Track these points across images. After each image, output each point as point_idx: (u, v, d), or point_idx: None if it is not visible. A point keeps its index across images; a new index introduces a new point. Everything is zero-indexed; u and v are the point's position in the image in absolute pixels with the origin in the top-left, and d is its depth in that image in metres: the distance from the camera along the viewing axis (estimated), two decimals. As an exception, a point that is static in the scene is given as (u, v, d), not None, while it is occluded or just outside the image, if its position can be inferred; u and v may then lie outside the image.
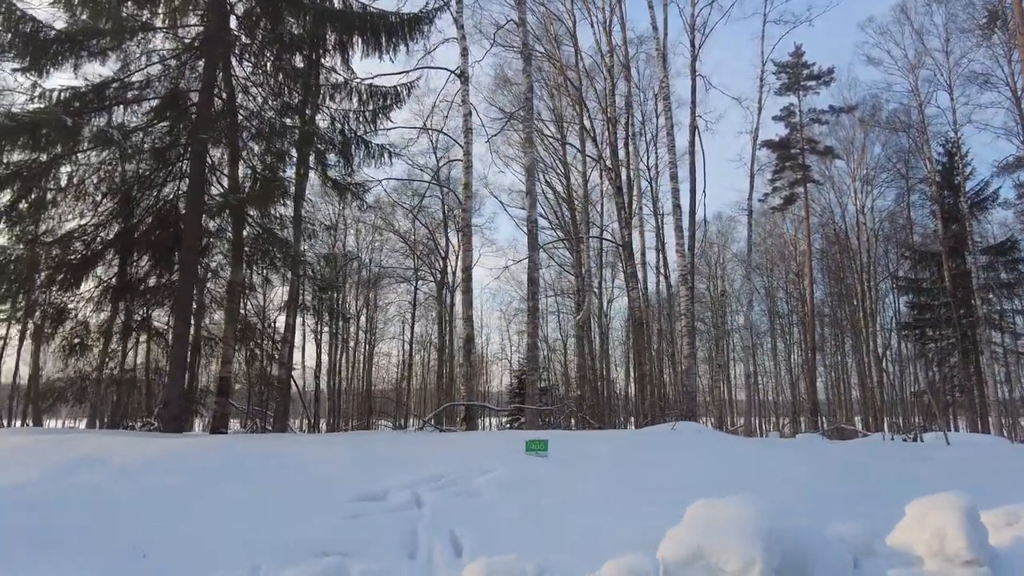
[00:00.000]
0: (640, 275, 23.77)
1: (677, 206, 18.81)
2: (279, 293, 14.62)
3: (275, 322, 13.98)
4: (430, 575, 4.52)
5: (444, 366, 32.09)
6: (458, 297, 35.60)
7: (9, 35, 9.48)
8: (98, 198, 11.41)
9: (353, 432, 14.61)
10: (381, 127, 12.46)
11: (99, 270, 12.17)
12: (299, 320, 17.75)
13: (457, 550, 4.81)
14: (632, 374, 28.99)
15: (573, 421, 17.76)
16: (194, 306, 11.64)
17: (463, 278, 15.01)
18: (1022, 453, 11.67)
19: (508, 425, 13.78)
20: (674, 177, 19.08)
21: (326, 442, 7.21)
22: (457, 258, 33.24)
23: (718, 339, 37.11)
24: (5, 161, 9.45)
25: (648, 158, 29.27)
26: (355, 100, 12.00)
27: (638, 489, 6.05)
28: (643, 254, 25.01)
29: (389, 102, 12.13)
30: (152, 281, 13.06)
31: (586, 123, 25.87)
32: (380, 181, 13.94)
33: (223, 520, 4.71)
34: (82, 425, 13.37)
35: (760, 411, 35.98)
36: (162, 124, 12.10)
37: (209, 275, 12.73)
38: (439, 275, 33.47)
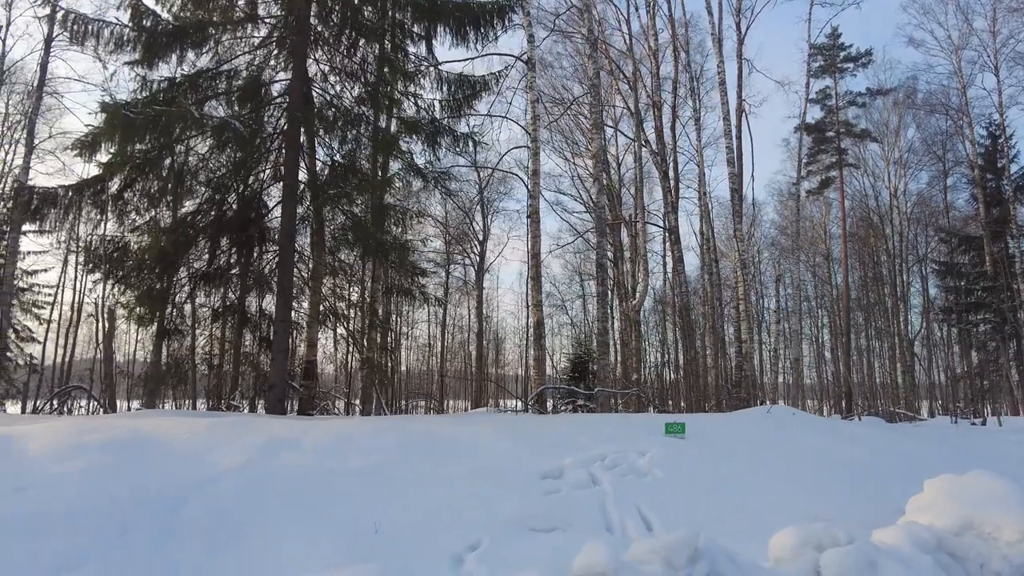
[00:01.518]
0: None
1: (736, 190, 18.91)
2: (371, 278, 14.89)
3: (360, 306, 14.18)
4: (626, 544, 4.78)
5: (483, 350, 32.45)
6: (487, 282, 35.97)
7: (131, 30, 9.70)
8: (195, 186, 11.66)
9: (463, 414, 14.82)
10: (464, 114, 12.53)
11: (191, 256, 12.42)
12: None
13: (648, 525, 5.06)
14: (669, 358, 29.21)
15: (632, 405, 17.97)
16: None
17: (532, 264, 15.18)
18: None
19: (565, 408, 13.98)
20: (731, 163, 19.15)
21: (471, 423, 7.47)
22: (485, 243, 33.59)
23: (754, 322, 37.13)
24: (117, 151, 9.69)
25: (691, 142, 29.14)
26: (444, 89, 12.12)
27: (789, 468, 6.28)
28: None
29: (478, 90, 12.24)
30: (236, 268, 13.30)
31: (630, 105, 25.78)
32: (448, 168, 13.89)
33: (429, 497, 4.98)
34: (168, 407, 13.71)
35: (800, 394, 36.04)
36: (248, 113, 12.27)
37: (297, 260, 12.99)
38: (477, 259, 33.75)
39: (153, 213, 11.44)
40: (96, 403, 12.01)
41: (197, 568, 3.96)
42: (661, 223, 25.03)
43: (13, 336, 25.71)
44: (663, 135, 25.00)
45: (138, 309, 11.26)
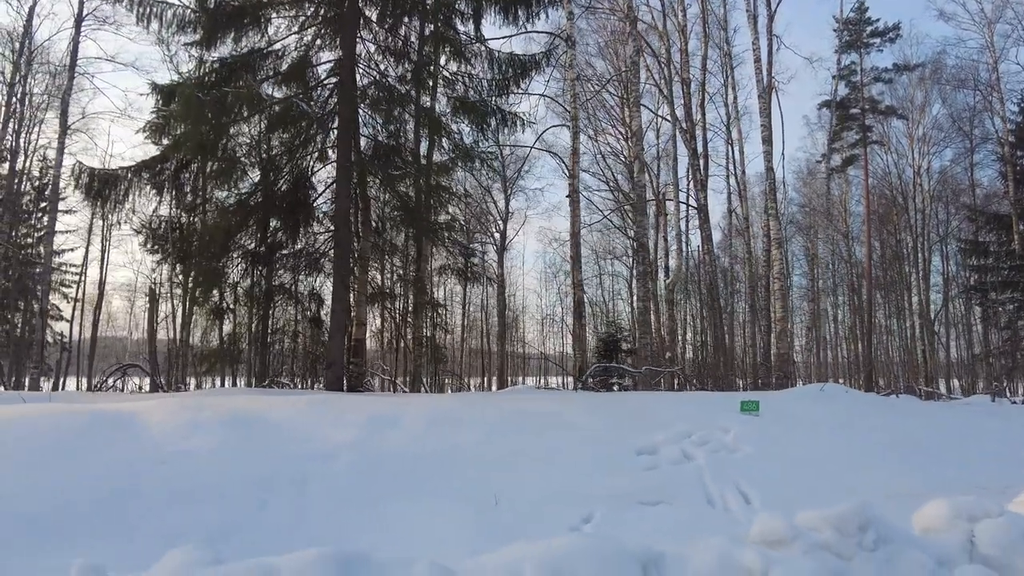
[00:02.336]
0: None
1: (770, 169, 18.81)
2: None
3: (408, 286, 14.35)
4: (731, 520, 4.94)
5: (505, 328, 32.66)
6: (507, 261, 36.01)
7: (193, 11, 9.79)
8: (249, 167, 11.81)
9: (515, 390, 15.01)
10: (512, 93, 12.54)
11: (242, 237, 12.60)
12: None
13: (746, 499, 5.22)
14: (696, 338, 29.32)
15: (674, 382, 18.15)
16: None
17: (572, 244, 15.26)
18: None
19: (582, 386, 14.11)
20: (767, 141, 19.03)
21: (553, 400, 7.65)
22: (507, 222, 33.57)
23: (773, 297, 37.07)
24: (184, 132, 9.84)
25: (721, 118, 28.94)
26: (496, 69, 12.13)
27: (867, 444, 6.42)
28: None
29: (528, 69, 12.24)
30: (286, 248, 13.48)
31: (660, 83, 25.61)
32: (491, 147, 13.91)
33: (538, 472, 5.17)
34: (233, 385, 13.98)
35: (822, 373, 36.09)
36: (299, 93, 12.33)
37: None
38: (499, 238, 33.80)
39: (209, 194, 11.57)
40: (153, 380, 12.28)
41: (337, 540, 4.15)
42: (686, 201, 25.00)
43: (38, 314, 26.19)
44: (692, 112, 24.86)
45: (196, 290, 11.46)
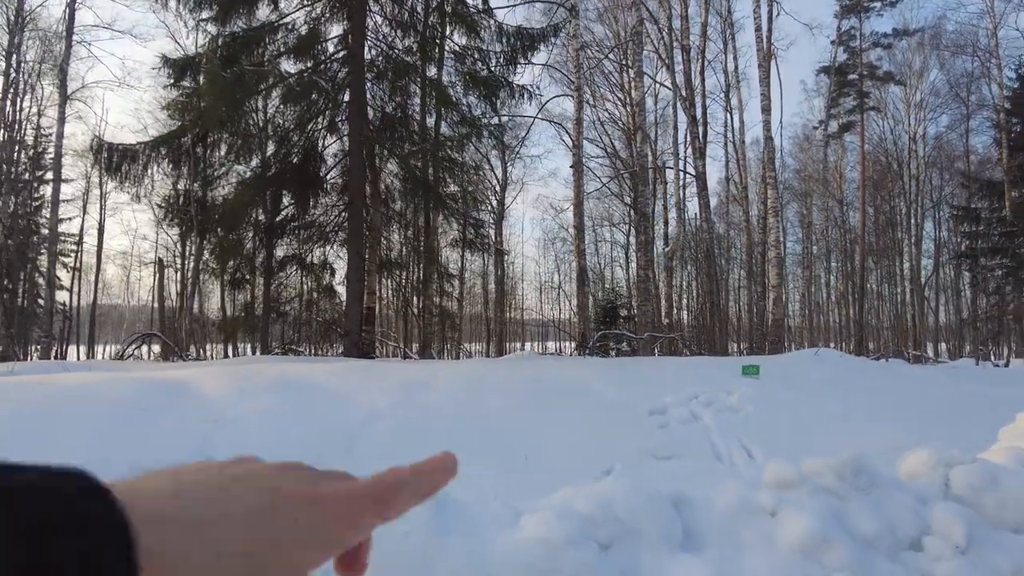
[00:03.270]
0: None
1: (769, 138, 19.13)
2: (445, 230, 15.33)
3: (419, 255, 14.73)
4: (737, 473, 5.47)
5: (504, 295, 33.12)
6: (505, 228, 36.25)
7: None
8: (263, 141, 12.07)
9: (530, 355, 15.57)
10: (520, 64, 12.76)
11: (256, 209, 12.91)
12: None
13: (750, 454, 5.75)
14: (694, 304, 29.90)
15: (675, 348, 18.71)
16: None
17: (576, 213, 15.60)
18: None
19: (588, 352, 14.64)
20: (766, 109, 19.29)
21: (569, 367, 8.14)
22: (504, 190, 33.73)
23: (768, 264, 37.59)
24: (206, 108, 10.08)
25: (720, 85, 29.04)
26: (504, 41, 12.32)
27: (862, 404, 6.95)
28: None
29: (536, 42, 12.43)
30: (297, 220, 13.80)
31: (661, 50, 25.63)
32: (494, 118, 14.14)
33: (563, 432, 5.67)
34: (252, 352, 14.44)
35: (813, 337, 36.79)
36: (312, 67, 12.52)
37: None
38: (496, 205, 34.02)
39: (227, 167, 11.86)
40: (169, 348, 12.72)
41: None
42: (684, 169, 25.28)
43: (44, 283, 26.45)
44: (691, 79, 24.98)
45: (215, 261, 11.83)
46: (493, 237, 33.37)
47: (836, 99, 37.23)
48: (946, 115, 35.56)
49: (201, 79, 10.08)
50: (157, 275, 15.64)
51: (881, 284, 41.19)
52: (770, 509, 3.20)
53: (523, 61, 12.88)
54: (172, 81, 12.17)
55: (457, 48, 12.47)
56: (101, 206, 28.02)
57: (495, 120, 13.03)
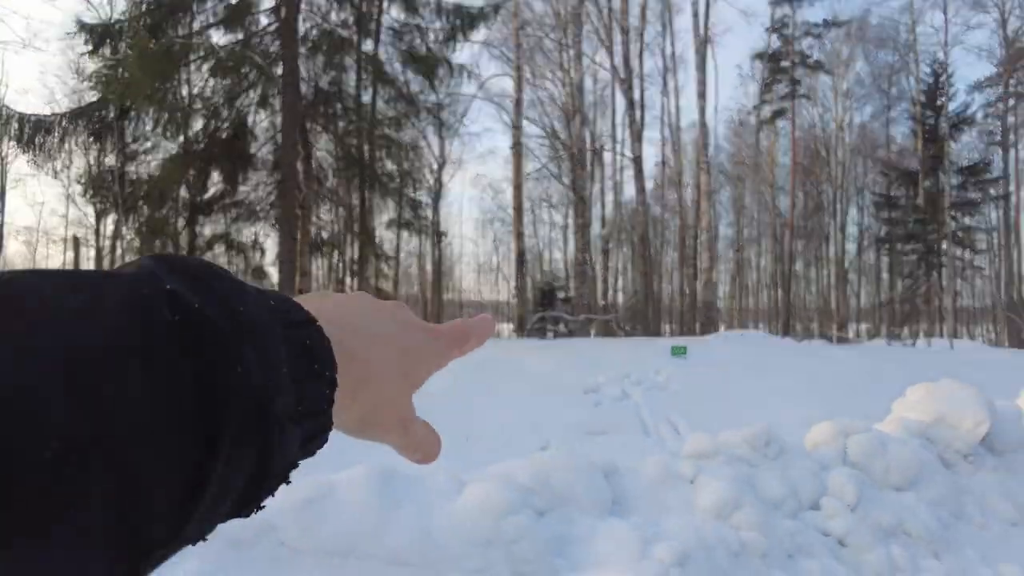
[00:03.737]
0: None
1: (704, 124, 19.79)
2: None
3: (347, 237, 14.61)
4: (664, 446, 5.86)
5: (441, 276, 33.12)
6: (442, 209, 36.23)
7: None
8: (191, 116, 11.70)
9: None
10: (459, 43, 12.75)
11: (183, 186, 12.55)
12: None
13: (676, 429, 6.15)
14: (628, 286, 30.71)
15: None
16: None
17: (515, 195, 15.80)
18: (1013, 353, 13.73)
19: (526, 334, 15.02)
20: (701, 95, 19.90)
21: (509, 348, 8.37)
22: (442, 169, 33.64)
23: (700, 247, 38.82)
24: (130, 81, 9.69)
25: (658, 68, 29.56)
26: (443, 19, 12.28)
27: (779, 381, 7.48)
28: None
29: (476, 22, 12.43)
30: (226, 198, 13.49)
31: (601, 30, 25.87)
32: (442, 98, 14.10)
33: (502, 409, 5.91)
34: None
35: (743, 318, 38.32)
36: (243, 40, 12.20)
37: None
38: (435, 185, 33.84)
39: (153, 142, 11.46)
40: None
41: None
42: (621, 152, 25.79)
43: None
44: (629, 62, 25.38)
45: (140, 239, 11.46)
46: (431, 217, 33.28)
47: (769, 85, 38.52)
48: (870, 105, 37.35)
49: (123, 48, 9.65)
50: (72, 254, 14.98)
51: (808, 267, 43.16)
52: (690, 476, 3.53)
53: (462, 39, 12.88)
54: (90, 49, 11.56)
55: (395, 25, 12.36)
56: (1, 175, 26.20)
57: (433, 98, 13.01)
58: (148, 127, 11.58)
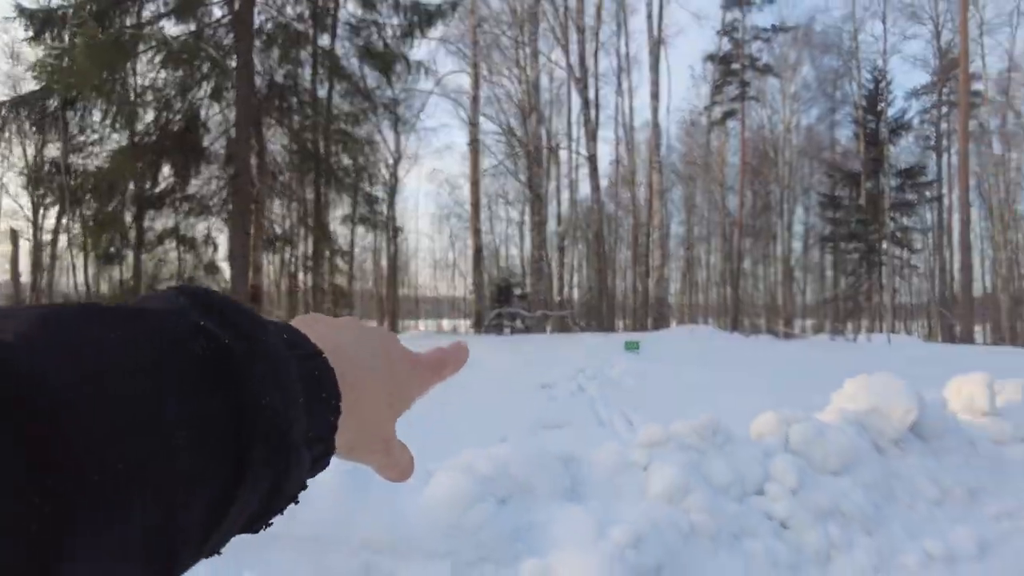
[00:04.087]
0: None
1: (657, 124, 20.24)
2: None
3: (307, 231, 14.44)
4: (618, 438, 6.08)
5: (396, 272, 32.98)
6: (398, 204, 35.98)
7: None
8: (140, 107, 11.41)
9: (426, 334, 15.52)
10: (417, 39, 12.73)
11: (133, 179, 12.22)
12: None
13: (630, 421, 6.37)
14: (583, 283, 31.15)
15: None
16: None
17: (472, 191, 15.89)
18: (944, 347, 14.53)
19: (484, 330, 15.19)
20: (655, 96, 20.35)
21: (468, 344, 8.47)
22: (398, 164, 33.42)
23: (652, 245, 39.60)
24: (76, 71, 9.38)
25: (613, 68, 29.95)
26: (401, 15, 12.25)
27: (729, 374, 7.80)
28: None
29: (433, 19, 12.43)
30: (177, 191, 13.21)
31: (557, 29, 26.11)
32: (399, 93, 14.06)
33: (460, 403, 6.02)
34: None
35: (693, 313, 39.24)
36: (194, 31, 11.96)
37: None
38: (392, 179, 33.60)
39: (100, 134, 11.13)
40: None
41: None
42: (576, 150, 26.10)
43: None
44: (585, 61, 25.69)
45: (88, 234, 11.12)
46: (386, 212, 33.02)
47: (720, 87, 39.54)
48: (815, 108, 38.70)
49: (67, 36, 9.34)
50: (11, 248, 14.43)
51: (756, 265, 44.46)
52: (643, 464, 3.72)
53: (420, 36, 12.88)
54: (31, 35, 11.11)
55: (352, 20, 12.29)
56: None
57: (389, 93, 12.98)
58: (96, 118, 11.24)
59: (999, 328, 29.89)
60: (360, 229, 20.46)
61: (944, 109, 33.18)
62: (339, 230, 21.62)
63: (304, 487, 0.33)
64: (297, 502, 0.33)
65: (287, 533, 2.68)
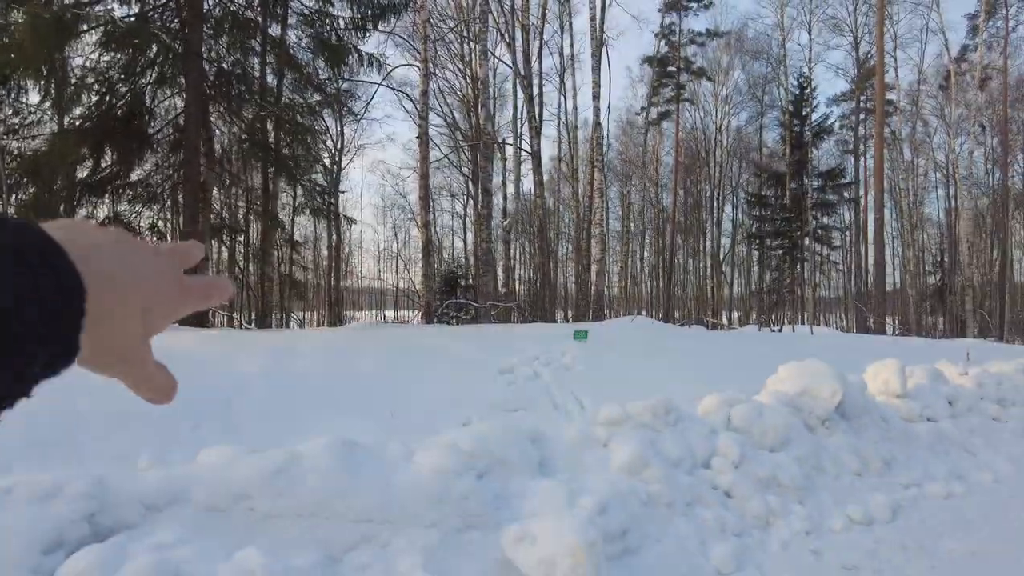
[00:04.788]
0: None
1: (598, 124, 20.74)
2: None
3: (257, 220, 14.22)
4: (571, 419, 6.45)
5: (339, 263, 32.60)
6: (341, 195, 35.57)
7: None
8: (82, 91, 11.00)
9: (375, 324, 15.48)
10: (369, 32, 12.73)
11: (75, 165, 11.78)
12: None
13: (581, 404, 6.76)
14: (527, 275, 31.65)
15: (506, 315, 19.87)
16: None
17: (421, 185, 15.97)
18: (859, 338, 15.67)
19: (437, 320, 15.44)
20: (596, 96, 20.82)
21: (430, 335, 8.66)
22: (341, 152, 32.98)
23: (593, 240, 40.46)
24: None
25: (556, 66, 30.45)
26: (353, 8, 12.22)
27: (671, 361, 8.30)
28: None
29: (388, 12, 12.44)
30: (119, 178, 12.81)
31: (503, 27, 26.37)
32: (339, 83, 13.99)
33: (427, 388, 6.25)
34: None
35: (627, 305, 40.32)
36: (134, 11, 11.62)
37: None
38: (335, 169, 33.10)
39: (39, 116, 10.68)
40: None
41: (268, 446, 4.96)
42: (519, 147, 26.48)
43: None
44: (530, 59, 26.06)
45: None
46: (332, 203, 32.49)
47: (657, 88, 40.72)
48: (745, 111, 40.43)
49: (3, 12, 8.93)
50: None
51: (687, 259, 46.10)
52: (603, 441, 4.07)
53: (371, 28, 12.88)
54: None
55: (305, 10, 12.18)
56: None
57: (336, 84, 12.94)
58: (33, 100, 10.77)
59: (907, 320, 32.17)
60: (302, 219, 20.25)
61: (861, 116, 35.33)
62: (292, 220, 21.31)
63: (36, 382, 0.32)
64: (30, 396, 0.32)
65: (285, 510, 2.88)
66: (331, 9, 12.08)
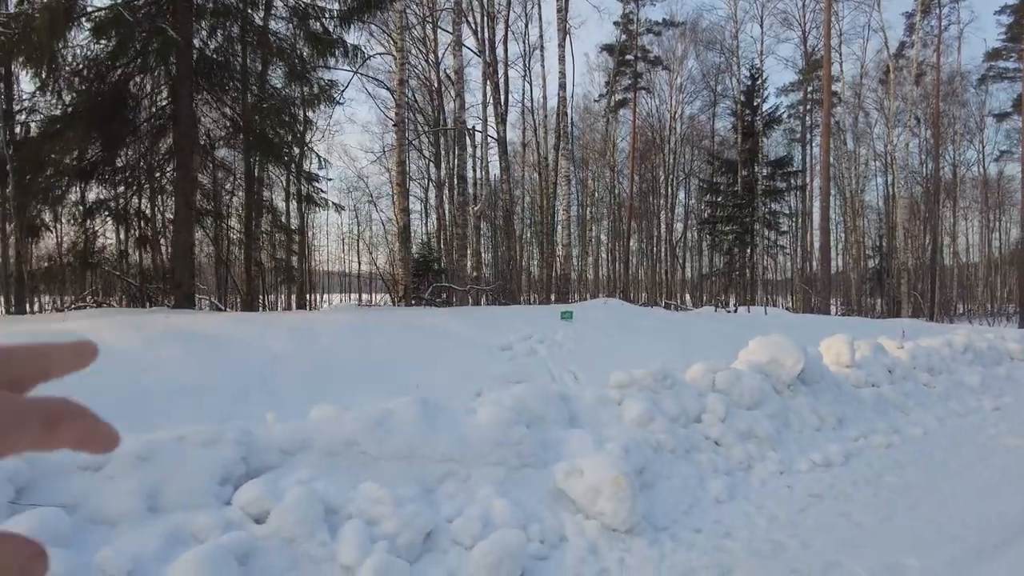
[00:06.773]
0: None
1: (564, 114, 21.54)
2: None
3: (233, 205, 14.51)
4: (567, 390, 7.28)
5: (308, 247, 32.66)
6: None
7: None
8: (71, 77, 11.14)
9: (359, 307, 15.87)
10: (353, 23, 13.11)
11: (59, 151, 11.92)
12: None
13: (575, 376, 7.60)
14: (496, 259, 32.33)
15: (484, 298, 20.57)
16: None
17: (399, 171, 16.47)
18: (808, 317, 17.00)
19: (417, 302, 16.10)
20: (563, 86, 21.60)
21: (428, 316, 9.32)
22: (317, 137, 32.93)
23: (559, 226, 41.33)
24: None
25: (522, 53, 30.97)
26: (341, 1, 12.58)
27: (648, 338, 9.22)
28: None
29: (372, 7, 12.84)
30: (105, 164, 12.97)
31: (469, 16, 26.75)
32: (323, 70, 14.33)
33: (437, 364, 6.97)
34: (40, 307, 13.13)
35: (591, 289, 41.45)
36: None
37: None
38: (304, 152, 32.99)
39: (28, 103, 10.80)
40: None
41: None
42: (486, 133, 27.05)
43: None
44: (495, 46, 26.59)
45: (16, 207, 10.83)
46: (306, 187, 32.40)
47: (616, 77, 41.68)
48: (699, 100, 41.79)
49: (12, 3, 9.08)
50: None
51: (643, 243, 47.56)
52: (617, 400, 4.91)
53: (357, 20, 13.28)
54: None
55: (291, 1, 12.52)
56: None
57: (319, 74, 13.33)
58: (29, 87, 10.87)
59: (849, 301, 34.26)
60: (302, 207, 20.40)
61: (808, 106, 37.10)
62: (281, 207, 21.45)
63: None
64: None
65: (389, 453, 3.60)
66: (317, 1, 12.44)
